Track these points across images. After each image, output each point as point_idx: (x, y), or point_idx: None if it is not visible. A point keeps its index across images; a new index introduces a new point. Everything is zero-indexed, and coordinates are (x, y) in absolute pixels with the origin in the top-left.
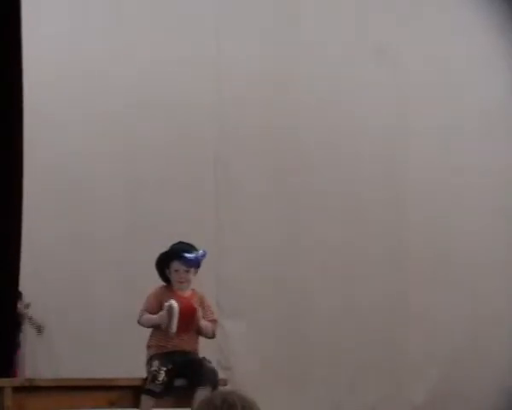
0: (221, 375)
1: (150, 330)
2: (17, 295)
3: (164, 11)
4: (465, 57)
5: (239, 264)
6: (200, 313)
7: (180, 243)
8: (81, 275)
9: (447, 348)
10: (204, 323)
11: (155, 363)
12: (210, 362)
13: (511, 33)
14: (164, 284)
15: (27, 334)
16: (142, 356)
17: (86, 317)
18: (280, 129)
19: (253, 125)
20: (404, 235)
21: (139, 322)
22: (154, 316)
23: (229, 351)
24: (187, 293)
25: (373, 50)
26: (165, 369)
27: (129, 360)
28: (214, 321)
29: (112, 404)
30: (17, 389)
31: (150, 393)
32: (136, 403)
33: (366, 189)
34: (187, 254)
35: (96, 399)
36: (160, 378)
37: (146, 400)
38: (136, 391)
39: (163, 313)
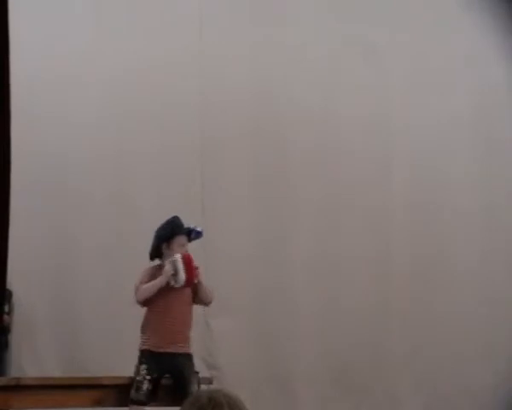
0: (207, 373)
1: (138, 327)
2: (4, 296)
3: (145, 13)
4: (452, 56)
5: (225, 264)
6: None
7: (177, 217)
8: (67, 274)
9: (432, 348)
10: (203, 282)
11: (142, 368)
12: (197, 373)
13: (499, 32)
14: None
15: (13, 333)
16: (128, 354)
17: (72, 315)
18: (265, 131)
19: (238, 128)
20: (390, 238)
21: (138, 299)
22: (156, 280)
23: (216, 350)
24: None
25: (359, 51)
26: (149, 378)
27: (115, 358)
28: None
29: (97, 403)
30: (3, 388)
31: (136, 403)
32: (121, 401)
33: (352, 192)
34: (199, 228)
35: (82, 397)
36: (144, 388)
37: (134, 408)
38: (120, 390)
39: (166, 268)
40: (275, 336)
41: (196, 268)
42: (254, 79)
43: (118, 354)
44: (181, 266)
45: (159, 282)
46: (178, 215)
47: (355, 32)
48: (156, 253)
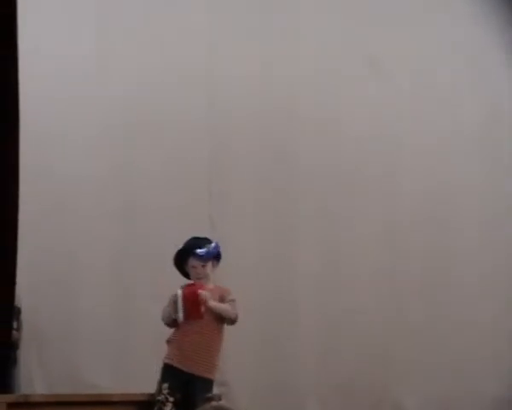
0: (216, 390)
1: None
2: (13, 311)
3: (154, 28)
4: (456, 70)
5: (232, 277)
6: (204, 295)
7: (193, 238)
8: (75, 290)
9: (439, 359)
10: (217, 303)
11: (165, 387)
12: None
13: (501, 48)
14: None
15: (22, 350)
16: (138, 370)
17: (81, 331)
18: (274, 145)
19: (246, 143)
20: (397, 251)
21: (163, 320)
22: (166, 308)
23: (225, 366)
24: (208, 287)
25: (363, 63)
26: (172, 400)
27: (125, 374)
28: (232, 301)
29: None
30: (12, 405)
31: None
32: None
33: (359, 205)
34: (198, 250)
35: None
36: None
37: None
38: (131, 406)
39: (168, 304)
40: (283, 350)
41: (197, 292)
42: (263, 92)
43: (128, 370)
44: (180, 304)
45: (167, 311)
46: (187, 230)
47: (364, 47)
48: (184, 274)
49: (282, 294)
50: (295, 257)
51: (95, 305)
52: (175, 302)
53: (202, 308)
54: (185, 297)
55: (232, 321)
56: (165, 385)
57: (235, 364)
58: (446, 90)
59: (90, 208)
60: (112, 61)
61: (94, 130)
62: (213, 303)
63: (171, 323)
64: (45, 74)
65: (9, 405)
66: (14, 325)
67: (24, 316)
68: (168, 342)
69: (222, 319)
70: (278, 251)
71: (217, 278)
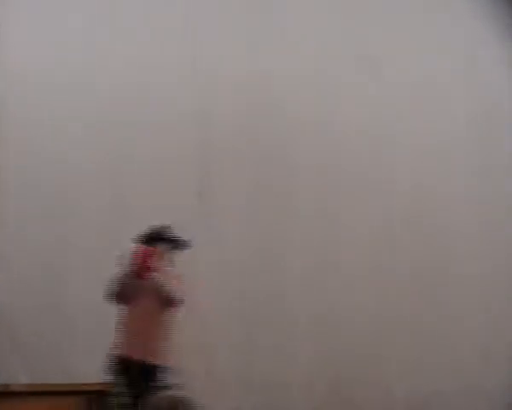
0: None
1: None
2: None
3: (143, 22)
4: (450, 69)
5: (219, 273)
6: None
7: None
8: (53, 282)
9: (430, 359)
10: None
11: (119, 380)
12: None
13: (495, 46)
14: None
15: (1, 341)
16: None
17: (58, 323)
18: (263, 142)
19: (236, 140)
20: (390, 251)
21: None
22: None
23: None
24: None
25: (357, 60)
26: (128, 391)
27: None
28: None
29: (84, 409)
30: None
31: None
32: (102, 408)
33: (351, 205)
34: (184, 240)
35: (69, 404)
36: (123, 401)
37: None
38: (99, 396)
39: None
40: (269, 346)
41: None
42: (252, 88)
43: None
44: (127, 258)
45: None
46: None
47: (356, 45)
48: None
49: (271, 291)
50: (286, 255)
51: (74, 297)
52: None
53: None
54: (137, 254)
55: (171, 301)
56: (120, 378)
57: (221, 358)
58: (445, 90)
59: (73, 202)
60: (100, 57)
61: (83, 122)
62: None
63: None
64: (36, 63)
65: None
66: None
67: (1, 308)
68: (116, 333)
69: (166, 304)
70: (268, 247)
71: (206, 274)
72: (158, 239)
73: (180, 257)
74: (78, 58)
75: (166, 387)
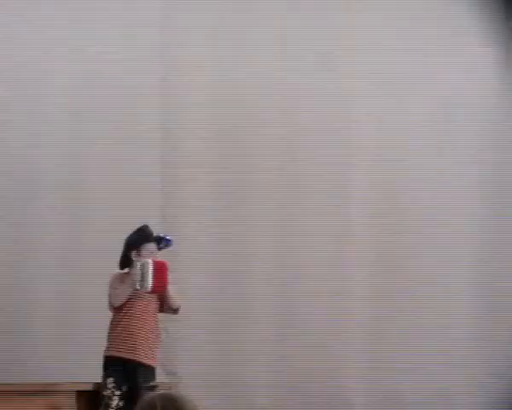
0: (166, 379)
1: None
2: None
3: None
4: (413, 62)
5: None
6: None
7: (145, 225)
8: (23, 279)
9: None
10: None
11: (109, 382)
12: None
13: (463, 34)
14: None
15: None
16: (87, 361)
17: (28, 322)
18: (228, 137)
19: (200, 133)
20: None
21: (114, 304)
22: (125, 285)
23: (174, 355)
24: None
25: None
26: (119, 393)
27: (73, 365)
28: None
29: (54, 409)
30: None
31: None
32: (78, 408)
33: (312, 198)
34: (168, 237)
35: (38, 404)
36: (114, 404)
37: None
38: (79, 396)
39: (134, 270)
40: (234, 342)
41: (166, 263)
42: (218, 82)
43: (76, 361)
44: (150, 271)
45: (130, 285)
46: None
47: (315, 36)
48: (125, 261)
49: (233, 283)
50: (250, 250)
51: (44, 295)
52: (143, 271)
53: (168, 280)
54: (156, 266)
55: (174, 310)
56: (110, 380)
57: (190, 356)
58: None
59: (40, 196)
60: (59, 46)
61: (43, 116)
62: (171, 290)
63: (122, 300)
64: None
65: None
66: None
67: None
68: (109, 334)
69: (161, 306)
70: (232, 243)
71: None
72: (155, 238)
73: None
74: (36, 44)
75: (158, 387)
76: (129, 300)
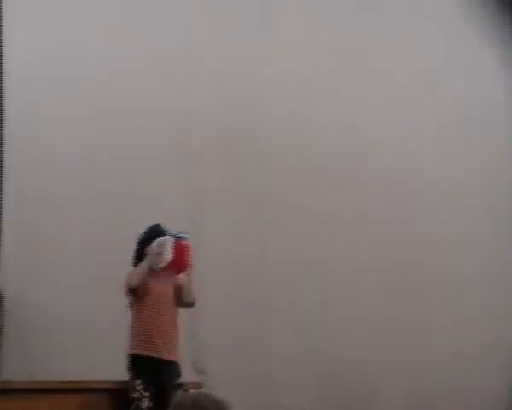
0: (195, 378)
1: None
2: None
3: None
4: (424, 70)
5: (209, 270)
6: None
7: (158, 224)
8: (58, 279)
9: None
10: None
11: (138, 383)
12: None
13: (469, 40)
14: None
15: (5, 337)
16: (117, 356)
17: (61, 318)
18: (240, 137)
19: (214, 140)
20: (366, 244)
21: (133, 283)
22: (143, 263)
23: (204, 354)
24: None
25: (335, 57)
26: (148, 395)
27: (104, 361)
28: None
29: (85, 407)
30: None
31: None
32: (109, 406)
33: (327, 198)
34: (183, 234)
35: (70, 402)
36: (144, 406)
37: None
38: (109, 394)
39: (153, 245)
40: (261, 341)
41: (188, 246)
42: (227, 88)
43: (108, 360)
44: (169, 246)
45: (145, 262)
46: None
47: (331, 43)
48: (139, 258)
49: (260, 285)
50: (271, 252)
51: (79, 294)
52: (161, 247)
53: (189, 262)
54: (177, 246)
55: (189, 304)
56: (138, 382)
57: (214, 353)
58: (413, 90)
59: (69, 197)
60: (86, 48)
61: (68, 113)
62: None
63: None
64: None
65: None
66: None
67: (7, 304)
68: (131, 331)
69: (179, 302)
70: (252, 244)
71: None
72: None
73: None
74: (61, 45)
75: (185, 385)
76: (149, 295)
